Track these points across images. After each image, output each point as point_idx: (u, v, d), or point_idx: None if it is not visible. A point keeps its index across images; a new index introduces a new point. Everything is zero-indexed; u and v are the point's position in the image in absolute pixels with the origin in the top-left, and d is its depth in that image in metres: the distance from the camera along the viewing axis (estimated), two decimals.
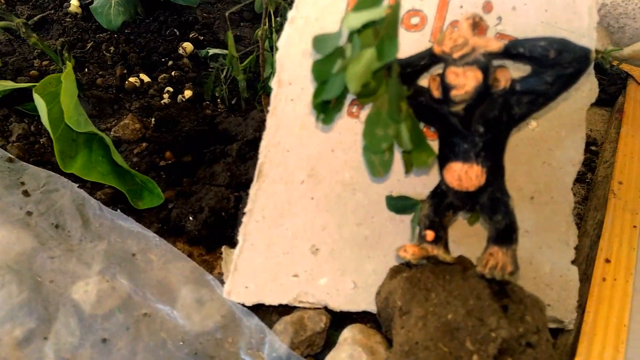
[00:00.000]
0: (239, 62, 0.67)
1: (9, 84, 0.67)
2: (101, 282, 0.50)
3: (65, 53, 0.65)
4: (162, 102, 0.73)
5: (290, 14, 0.49)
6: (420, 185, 0.49)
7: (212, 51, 0.69)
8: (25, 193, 0.59)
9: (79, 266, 0.51)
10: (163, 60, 0.82)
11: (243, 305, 0.48)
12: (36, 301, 0.47)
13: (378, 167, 0.42)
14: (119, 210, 0.56)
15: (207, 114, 0.73)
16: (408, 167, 0.44)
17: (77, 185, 0.59)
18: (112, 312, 0.47)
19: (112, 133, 0.65)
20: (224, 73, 0.67)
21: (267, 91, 0.64)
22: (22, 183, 0.60)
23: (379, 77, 0.41)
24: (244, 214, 0.58)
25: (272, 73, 0.63)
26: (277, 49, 0.49)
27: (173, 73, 0.78)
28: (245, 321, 0.48)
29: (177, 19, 0.91)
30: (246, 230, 0.49)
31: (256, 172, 0.49)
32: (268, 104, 0.68)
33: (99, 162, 0.57)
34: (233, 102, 0.70)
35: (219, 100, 0.75)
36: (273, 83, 0.49)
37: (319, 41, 0.40)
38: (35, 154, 0.65)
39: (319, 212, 0.49)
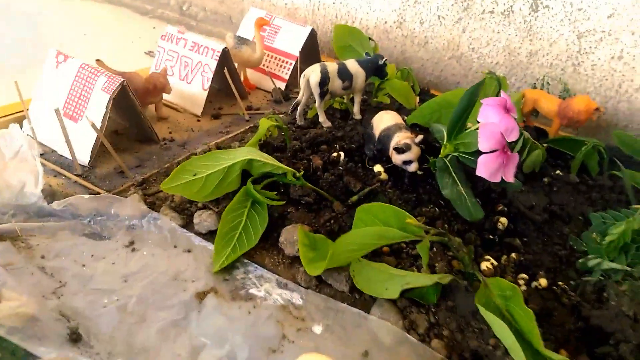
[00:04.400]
0: None
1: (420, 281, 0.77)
2: None
3: (468, 258, 0.75)
4: (520, 288, 0.82)
5: None
6: None
7: (592, 262, 0.78)
8: None
9: None
10: (492, 237, 0.92)
11: None
12: None
13: None
14: None
15: (565, 303, 0.81)
16: None
17: None
18: None
19: None
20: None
21: None
22: None
23: None
24: None
25: None
26: None
27: (513, 255, 0.88)
28: None
29: (481, 191, 1.02)
30: None
31: None
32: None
33: None
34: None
35: (565, 286, 0.84)
36: None
37: None
38: (448, 347, 0.74)
39: None
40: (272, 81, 1.50)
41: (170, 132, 1.25)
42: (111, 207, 0.91)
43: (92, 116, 1.06)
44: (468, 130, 0.91)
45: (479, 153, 0.87)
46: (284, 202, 0.93)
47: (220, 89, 1.52)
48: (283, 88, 1.53)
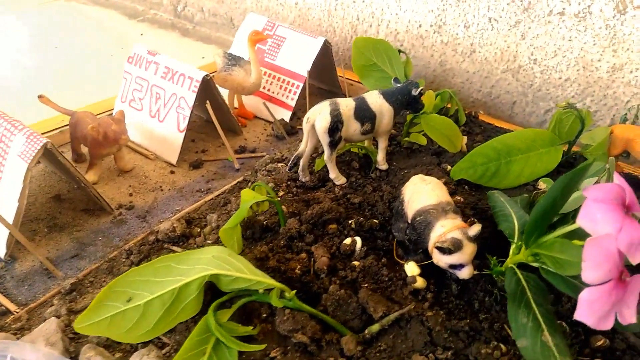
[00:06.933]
0: None
1: None
2: None
3: None
4: None
5: None
6: None
7: None
8: None
9: None
10: None
11: None
12: None
13: None
14: None
15: None
16: None
17: None
18: None
19: None
20: None
21: None
22: None
23: None
24: None
25: None
26: None
27: None
28: None
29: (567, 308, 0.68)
30: None
31: None
32: None
33: None
34: None
35: None
36: None
37: None
38: None
39: None
40: (270, 112, 1.16)
41: (130, 194, 0.94)
42: (6, 352, 0.61)
43: (9, 191, 0.75)
44: (559, 237, 0.56)
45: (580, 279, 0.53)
46: (264, 345, 0.60)
47: (208, 119, 1.20)
48: (288, 118, 1.20)
